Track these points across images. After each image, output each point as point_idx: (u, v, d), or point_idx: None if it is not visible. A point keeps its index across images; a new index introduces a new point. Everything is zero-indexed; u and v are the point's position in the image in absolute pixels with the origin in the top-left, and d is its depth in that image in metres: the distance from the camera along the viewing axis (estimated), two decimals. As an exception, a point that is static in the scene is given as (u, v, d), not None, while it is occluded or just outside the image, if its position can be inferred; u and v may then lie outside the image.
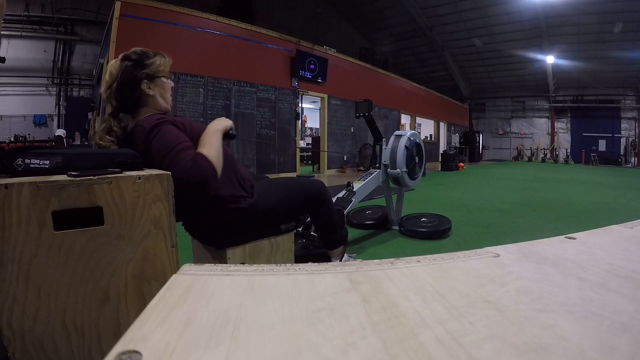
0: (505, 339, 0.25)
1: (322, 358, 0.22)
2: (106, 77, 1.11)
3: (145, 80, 1.12)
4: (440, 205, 4.05)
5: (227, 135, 1.14)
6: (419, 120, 13.87)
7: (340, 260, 1.59)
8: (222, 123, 1.14)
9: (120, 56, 1.14)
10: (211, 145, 1.04)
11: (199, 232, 1.26)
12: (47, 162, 0.80)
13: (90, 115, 8.48)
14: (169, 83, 1.21)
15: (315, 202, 1.43)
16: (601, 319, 0.27)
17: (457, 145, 14.35)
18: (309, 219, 1.92)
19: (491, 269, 0.39)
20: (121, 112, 1.13)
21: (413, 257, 0.42)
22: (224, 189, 1.15)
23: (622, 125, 15.57)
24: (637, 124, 15.34)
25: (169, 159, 0.96)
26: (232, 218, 1.17)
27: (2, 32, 1.26)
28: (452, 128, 16.03)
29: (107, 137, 1.07)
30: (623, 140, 15.56)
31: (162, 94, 1.17)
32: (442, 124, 15.24)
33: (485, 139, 17.85)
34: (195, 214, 1.16)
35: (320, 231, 1.54)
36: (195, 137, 1.07)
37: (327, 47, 8.94)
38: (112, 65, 1.12)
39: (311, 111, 14.20)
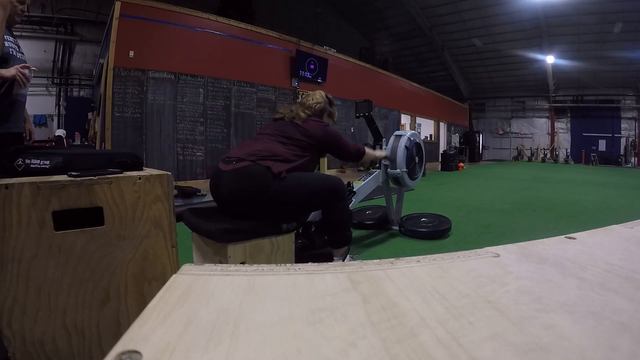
0: (505, 339, 0.25)
1: (322, 358, 0.22)
2: (317, 97, 1.85)
3: (327, 115, 1.90)
4: (440, 205, 4.05)
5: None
6: (419, 120, 13.87)
7: (343, 261, 1.59)
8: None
9: (324, 94, 1.90)
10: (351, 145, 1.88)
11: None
12: (48, 162, 0.80)
13: (90, 115, 8.48)
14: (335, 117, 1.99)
15: (334, 195, 1.51)
16: (601, 319, 0.27)
17: (457, 145, 14.34)
18: (309, 219, 1.92)
19: (491, 269, 0.39)
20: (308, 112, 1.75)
21: (413, 257, 0.42)
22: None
23: (622, 125, 15.57)
24: (637, 124, 15.34)
25: (345, 142, 1.80)
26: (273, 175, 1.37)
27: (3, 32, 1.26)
28: (452, 128, 16.02)
29: (301, 114, 1.68)
30: (623, 140, 15.55)
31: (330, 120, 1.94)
32: (442, 124, 15.23)
33: (485, 139, 17.85)
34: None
35: (331, 227, 1.56)
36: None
37: (327, 47, 8.94)
38: (320, 93, 1.89)
39: (311, 111, 14.16)
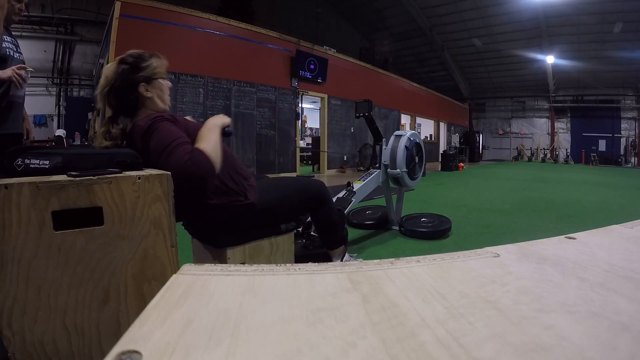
0: (505, 339, 0.25)
1: (322, 358, 0.22)
2: (102, 80, 1.11)
3: (143, 83, 1.12)
4: (440, 205, 4.05)
5: (223, 133, 1.14)
6: (419, 120, 13.87)
7: (341, 260, 1.59)
8: (220, 119, 1.15)
9: (116, 60, 1.14)
10: (209, 140, 1.04)
11: (199, 231, 1.26)
12: (47, 162, 0.80)
13: (90, 115, 8.48)
14: (167, 84, 1.21)
15: (315, 201, 1.44)
16: (601, 319, 0.27)
17: (457, 145, 14.35)
18: (309, 218, 1.92)
19: (491, 269, 0.39)
20: (120, 115, 1.13)
21: (413, 257, 0.42)
22: (225, 185, 1.15)
23: (622, 125, 15.57)
24: (637, 124, 15.34)
25: (166, 155, 0.96)
26: (232, 216, 1.17)
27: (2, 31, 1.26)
28: (452, 128, 16.02)
29: (105, 141, 1.07)
30: (623, 140, 15.55)
31: (160, 96, 1.18)
32: (442, 124, 15.23)
33: (485, 139, 17.85)
34: (195, 212, 1.16)
35: (321, 231, 1.54)
36: (193, 135, 1.07)
37: (327, 47, 8.94)
38: (108, 68, 1.12)
39: (311, 111, 14.19)
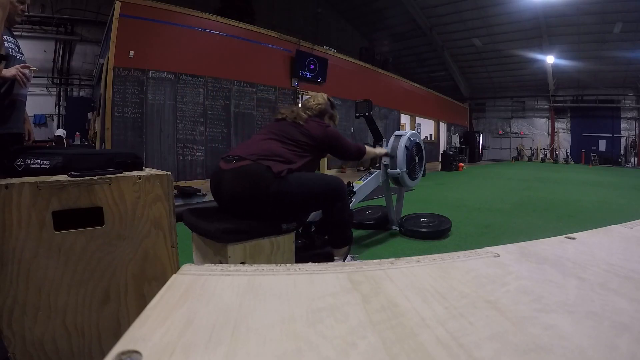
0: (505, 339, 0.25)
1: (322, 358, 0.22)
2: (319, 99, 1.87)
3: (328, 117, 1.92)
4: (440, 205, 4.05)
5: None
6: (419, 120, 13.86)
7: (344, 261, 1.59)
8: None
9: (326, 96, 1.93)
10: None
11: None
12: (48, 162, 0.80)
13: (90, 115, 8.48)
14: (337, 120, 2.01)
15: (334, 195, 1.53)
16: (601, 319, 0.27)
17: (457, 145, 14.34)
18: (309, 219, 1.92)
19: (491, 269, 0.39)
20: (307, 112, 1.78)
21: (413, 257, 0.42)
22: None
23: (622, 125, 15.57)
24: (637, 124, 15.33)
25: (344, 140, 1.82)
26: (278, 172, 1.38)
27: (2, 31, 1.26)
28: (452, 128, 16.02)
29: (303, 114, 1.70)
30: (623, 140, 15.55)
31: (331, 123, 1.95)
32: (442, 124, 15.23)
33: (485, 139, 17.84)
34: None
35: (332, 227, 1.57)
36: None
37: (327, 47, 8.94)
38: (323, 96, 1.91)
39: (311, 111, 14.16)
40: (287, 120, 1.67)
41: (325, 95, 1.92)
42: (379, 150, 2.40)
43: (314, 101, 1.85)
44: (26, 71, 1.44)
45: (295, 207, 1.44)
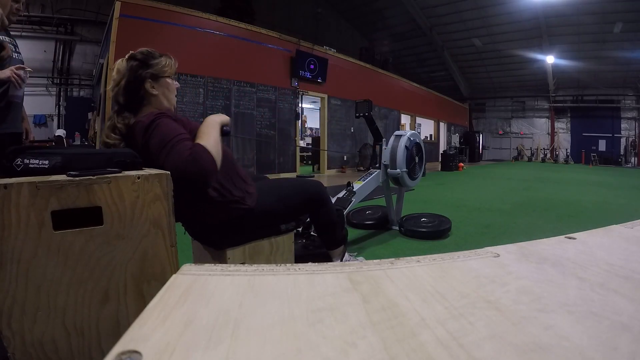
0: (505, 339, 0.24)
1: (322, 358, 0.22)
2: (114, 74, 1.13)
3: (150, 80, 1.13)
4: (440, 205, 4.05)
5: (222, 132, 1.12)
6: (419, 120, 13.87)
7: (341, 260, 1.59)
8: (219, 117, 1.14)
9: (126, 55, 1.15)
10: (209, 136, 1.02)
11: (199, 232, 1.25)
12: (47, 162, 0.80)
13: (90, 115, 8.49)
14: (174, 84, 1.21)
15: (314, 202, 1.43)
16: (601, 319, 0.27)
17: (457, 145, 14.35)
18: (309, 219, 1.92)
19: (491, 269, 0.39)
20: (126, 110, 1.14)
21: (413, 257, 0.42)
22: (225, 188, 1.14)
23: (622, 125, 15.57)
24: (637, 124, 15.34)
25: (167, 151, 0.94)
26: (232, 218, 1.17)
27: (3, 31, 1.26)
28: (452, 128, 16.02)
29: (113, 134, 1.08)
30: (623, 140, 15.55)
31: (166, 95, 1.18)
32: (442, 124, 15.23)
33: (485, 139, 17.85)
34: (195, 214, 1.15)
35: (320, 231, 1.54)
36: (194, 135, 1.06)
37: (327, 47, 8.94)
38: (120, 64, 1.14)
39: (311, 111, 14.18)
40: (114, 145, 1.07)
41: (122, 61, 1.15)
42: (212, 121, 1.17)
43: (113, 85, 1.14)
44: (21, 72, 1.43)
45: (282, 218, 1.31)
